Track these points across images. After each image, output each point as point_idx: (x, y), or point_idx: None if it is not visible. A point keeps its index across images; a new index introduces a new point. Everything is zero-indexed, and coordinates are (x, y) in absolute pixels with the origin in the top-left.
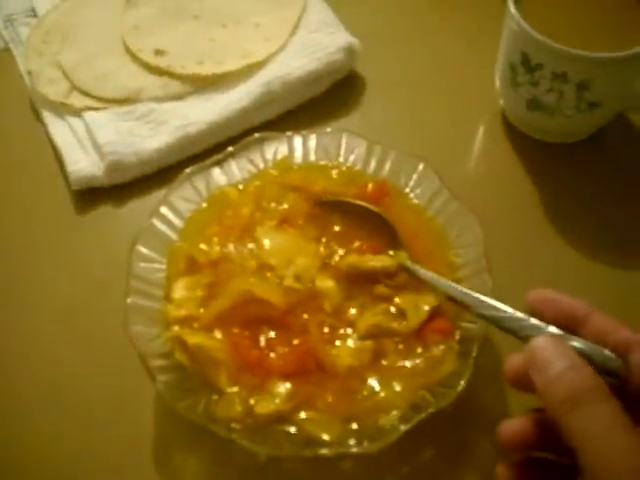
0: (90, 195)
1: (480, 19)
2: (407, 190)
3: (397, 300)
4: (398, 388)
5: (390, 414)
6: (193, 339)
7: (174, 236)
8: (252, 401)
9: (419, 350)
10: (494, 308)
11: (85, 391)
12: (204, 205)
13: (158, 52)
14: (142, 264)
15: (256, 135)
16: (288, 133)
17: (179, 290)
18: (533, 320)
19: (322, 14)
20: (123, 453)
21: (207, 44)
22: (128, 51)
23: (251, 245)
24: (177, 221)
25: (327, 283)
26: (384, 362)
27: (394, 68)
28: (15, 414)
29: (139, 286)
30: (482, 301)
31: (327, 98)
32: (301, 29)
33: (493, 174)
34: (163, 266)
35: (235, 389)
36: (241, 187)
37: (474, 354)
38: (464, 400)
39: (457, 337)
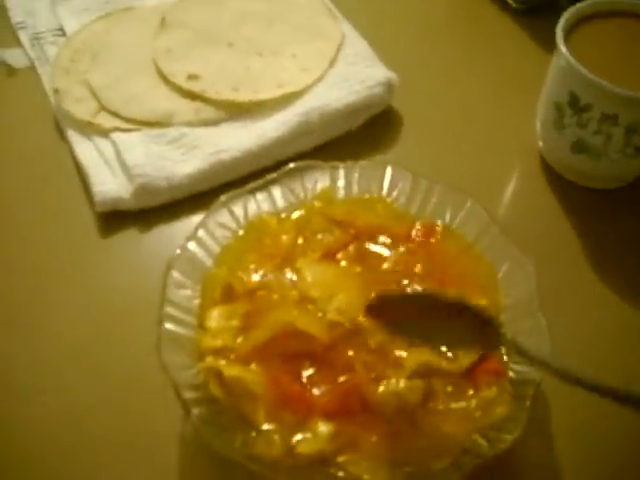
0: (115, 218)
1: (518, 60)
2: (454, 227)
3: None
4: (450, 431)
5: (441, 459)
6: (230, 371)
7: (209, 262)
8: (293, 440)
9: (470, 392)
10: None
11: (104, 427)
12: (241, 232)
13: (191, 77)
14: (175, 290)
15: (298, 163)
16: (332, 163)
17: (214, 319)
18: None
19: (360, 47)
20: None
21: (242, 71)
22: (160, 74)
23: (291, 275)
24: (213, 246)
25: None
26: (433, 404)
27: (430, 105)
28: (29, 451)
29: (173, 312)
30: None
31: (363, 132)
32: (339, 61)
33: (530, 217)
34: (196, 293)
35: (272, 426)
36: (282, 216)
37: (529, 398)
38: (512, 451)
39: (509, 379)
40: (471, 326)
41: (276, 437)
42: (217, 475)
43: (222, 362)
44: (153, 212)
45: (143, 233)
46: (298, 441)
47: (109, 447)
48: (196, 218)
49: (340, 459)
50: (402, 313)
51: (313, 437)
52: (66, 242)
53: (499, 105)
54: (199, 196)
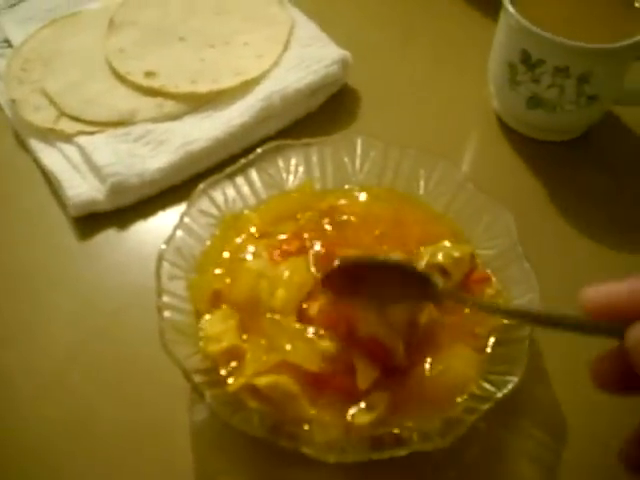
0: (91, 221)
1: (460, 27)
2: (430, 188)
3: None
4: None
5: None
6: (263, 381)
7: (197, 251)
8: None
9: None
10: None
11: (109, 426)
12: (217, 232)
13: (148, 74)
14: (168, 280)
15: (272, 143)
16: (304, 140)
17: (212, 325)
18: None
19: (310, 30)
20: None
21: (198, 64)
22: (115, 74)
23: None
24: (200, 233)
25: None
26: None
27: (383, 80)
28: (34, 457)
29: (170, 301)
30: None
31: (323, 112)
32: (292, 45)
33: (493, 173)
34: (188, 282)
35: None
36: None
37: (528, 339)
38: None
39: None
40: (415, 283)
41: (328, 419)
42: (227, 464)
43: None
44: (128, 211)
45: (121, 232)
46: (353, 415)
47: (116, 445)
48: (171, 212)
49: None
50: (355, 280)
51: (364, 408)
52: (45, 251)
53: (449, 70)
54: (171, 190)
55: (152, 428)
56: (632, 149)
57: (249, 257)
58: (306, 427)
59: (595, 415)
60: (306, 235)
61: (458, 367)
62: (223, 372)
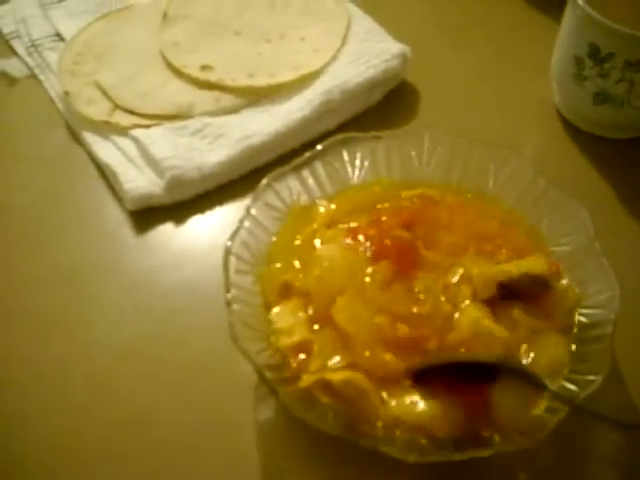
0: (147, 215)
1: (520, 24)
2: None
3: None
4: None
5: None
6: (338, 377)
7: (263, 245)
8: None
9: None
10: None
11: (173, 425)
12: (285, 223)
13: (205, 67)
14: (235, 275)
15: (339, 136)
16: (372, 133)
17: (282, 318)
18: None
19: (368, 25)
20: None
21: (255, 58)
22: (170, 67)
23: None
24: (268, 226)
25: None
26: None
27: (442, 75)
28: (102, 455)
29: (239, 295)
30: None
31: (381, 108)
32: (350, 40)
33: (556, 172)
34: (255, 277)
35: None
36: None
37: (610, 338)
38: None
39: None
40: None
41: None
42: (295, 463)
43: (326, 372)
44: (185, 205)
45: (178, 227)
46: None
47: (178, 447)
48: (229, 207)
49: None
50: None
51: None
52: (100, 245)
53: (509, 65)
54: (229, 185)
55: (215, 428)
56: None
57: (320, 245)
58: (379, 424)
59: None
60: (385, 220)
61: (550, 353)
62: (294, 365)
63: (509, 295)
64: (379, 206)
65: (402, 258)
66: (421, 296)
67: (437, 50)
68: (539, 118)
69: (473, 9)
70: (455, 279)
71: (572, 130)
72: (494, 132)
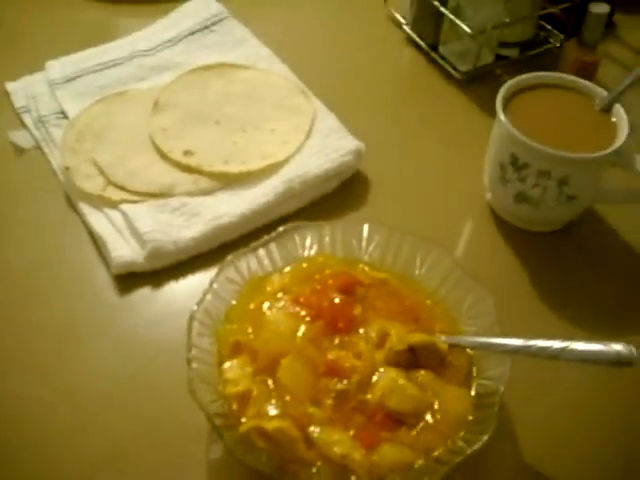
0: (130, 279)
1: (465, 123)
2: (423, 271)
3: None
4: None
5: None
6: (271, 425)
7: (222, 312)
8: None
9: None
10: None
11: (137, 461)
12: (243, 291)
13: (187, 152)
14: (197, 337)
15: (290, 225)
16: (318, 223)
17: (231, 371)
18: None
19: (330, 121)
20: None
21: (230, 146)
22: (158, 151)
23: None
24: (226, 297)
25: None
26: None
27: (392, 168)
28: None
29: (198, 355)
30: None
31: (337, 194)
32: (313, 134)
33: (483, 258)
34: (213, 339)
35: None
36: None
37: (497, 405)
38: (483, 456)
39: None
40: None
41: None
42: None
43: (262, 420)
44: (163, 272)
45: (155, 291)
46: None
47: (147, 476)
48: (200, 275)
49: None
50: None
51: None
52: (88, 302)
53: (451, 163)
54: (201, 256)
55: (174, 465)
56: (609, 240)
57: (269, 311)
58: (314, 470)
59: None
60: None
61: (455, 406)
62: (235, 409)
63: (414, 364)
64: (321, 275)
65: (335, 317)
66: (344, 352)
67: (389, 145)
68: (474, 211)
69: (426, 109)
70: (375, 335)
71: (500, 222)
72: (434, 221)
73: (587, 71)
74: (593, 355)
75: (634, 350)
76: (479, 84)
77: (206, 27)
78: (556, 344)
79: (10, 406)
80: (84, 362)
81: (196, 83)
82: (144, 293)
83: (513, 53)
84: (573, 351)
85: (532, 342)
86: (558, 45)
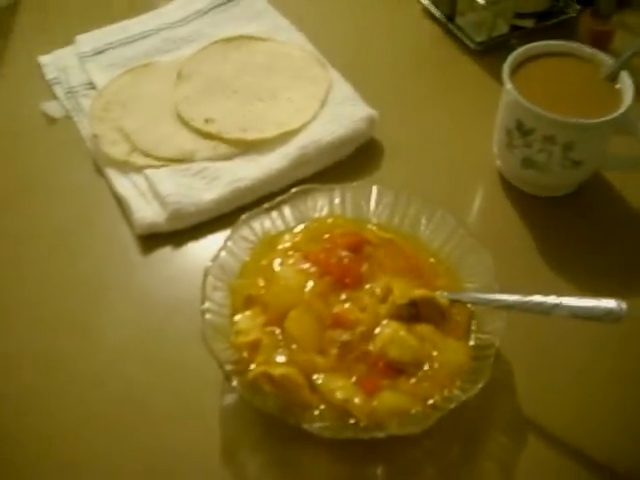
0: (152, 240)
1: (477, 92)
2: (428, 231)
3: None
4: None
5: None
6: (278, 371)
7: (236, 268)
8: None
9: None
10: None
11: (159, 404)
12: (256, 249)
13: (208, 120)
14: (211, 291)
15: (301, 187)
16: (329, 185)
17: (243, 322)
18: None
19: (345, 91)
20: (191, 453)
21: (248, 114)
22: (181, 119)
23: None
24: (240, 255)
25: None
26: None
27: (405, 135)
28: (96, 423)
29: (211, 307)
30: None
31: (352, 160)
32: (328, 103)
33: (491, 221)
34: (226, 292)
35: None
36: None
37: (492, 356)
38: (482, 406)
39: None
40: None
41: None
42: (249, 440)
43: (270, 365)
44: (183, 233)
45: (176, 250)
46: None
47: (163, 420)
48: (218, 236)
49: None
50: None
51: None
52: (113, 260)
53: (463, 131)
54: (219, 219)
55: (188, 411)
56: (614, 206)
57: (280, 267)
58: (316, 412)
59: (553, 420)
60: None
61: (452, 357)
62: (246, 357)
63: (416, 318)
64: (330, 234)
65: (342, 274)
66: (349, 305)
67: (404, 113)
68: (484, 177)
69: (440, 78)
70: (379, 291)
71: (509, 188)
72: (445, 186)
73: (602, 41)
74: (584, 311)
75: (623, 306)
76: (494, 55)
77: (230, 0)
78: (550, 299)
79: (40, 354)
80: (108, 315)
81: (217, 54)
82: (165, 252)
83: (529, 23)
84: (566, 307)
85: (528, 298)
86: (574, 15)
